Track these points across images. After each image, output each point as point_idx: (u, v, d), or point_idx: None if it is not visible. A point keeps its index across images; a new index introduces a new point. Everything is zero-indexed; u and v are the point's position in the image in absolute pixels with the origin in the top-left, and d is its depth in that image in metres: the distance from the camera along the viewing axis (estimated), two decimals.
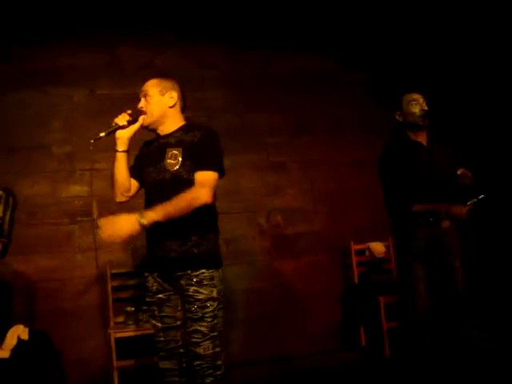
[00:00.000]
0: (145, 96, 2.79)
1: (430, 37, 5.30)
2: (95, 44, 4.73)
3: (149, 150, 2.82)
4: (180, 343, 2.70)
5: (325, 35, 5.18)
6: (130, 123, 2.71)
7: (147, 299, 2.78)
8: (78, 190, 4.55)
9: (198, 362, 2.60)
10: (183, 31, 4.85)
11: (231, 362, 4.50)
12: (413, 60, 5.29)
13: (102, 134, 2.66)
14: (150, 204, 2.62)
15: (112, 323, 4.29)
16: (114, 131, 2.71)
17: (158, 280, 2.70)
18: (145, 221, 2.45)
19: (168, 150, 2.66)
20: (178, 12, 4.84)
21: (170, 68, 4.77)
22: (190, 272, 2.59)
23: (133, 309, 4.19)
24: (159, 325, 2.71)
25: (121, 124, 2.69)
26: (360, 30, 5.25)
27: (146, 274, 2.75)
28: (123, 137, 2.72)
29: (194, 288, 2.58)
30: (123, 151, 2.73)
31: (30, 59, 4.60)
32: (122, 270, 4.47)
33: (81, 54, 4.69)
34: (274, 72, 5.08)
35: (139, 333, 4.10)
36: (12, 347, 3.93)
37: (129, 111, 2.73)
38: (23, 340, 4.02)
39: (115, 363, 4.03)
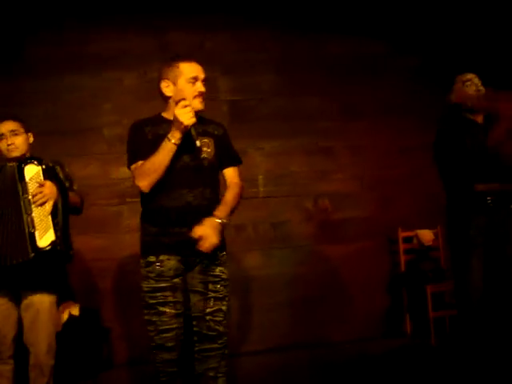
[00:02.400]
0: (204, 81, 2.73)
1: (483, 20, 5.12)
2: (146, 28, 4.77)
3: (167, 130, 2.65)
4: (183, 331, 2.69)
5: (376, 19, 5.08)
6: None
7: (157, 284, 2.62)
8: (127, 171, 4.58)
9: (220, 341, 2.69)
10: (233, 14, 4.84)
11: (274, 346, 4.56)
12: (464, 44, 5.12)
13: (198, 143, 2.60)
14: (173, 187, 2.64)
15: None
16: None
17: (180, 265, 2.65)
18: (225, 220, 2.65)
19: (200, 138, 2.66)
20: None
21: (220, 52, 4.79)
22: (218, 253, 2.69)
23: None
24: (173, 311, 2.63)
25: (195, 120, 2.58)
26: (411, 13, 5.11)
27: (162, 258, 2.63)
28: (183, 131, 2.59)
29: (219, 268, 2.70)
30: (176, 144, 2.59)
31: (83, 43, 4.69)
32: None
33: (132, 38, 4.75)
34: (324, 56, 5.01)
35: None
36: (63, 322, 4.08)
37: (185, 103, 2.57)
38: (74, 316, 4.15)
39: None
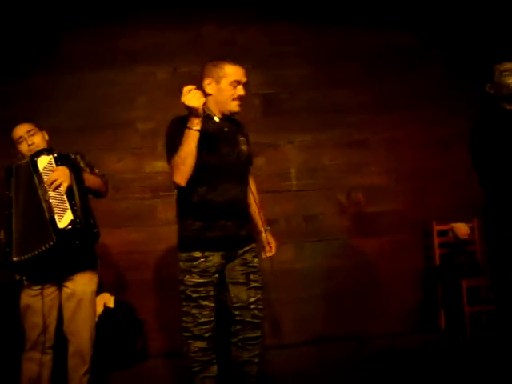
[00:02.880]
0: (244, 85, 2.82)
1: None
2: (178, 22, 4.80)
3: (210, 129, 2.72)
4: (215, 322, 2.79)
5: (408, 10, 4.99)
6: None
7: (201, 280, 2.70)
8: (160, 165, 4.67)
9: (259, 331, 2.84)
10: (265, 8, 4.83)
11: (307, 339, 4.55)
12: (497, 35, 5.00)
13: (217, 119, 2.73)
14: (219, 182, 2.72)
15: None
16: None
17: (221, 260, 2.75)
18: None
19: (238, 135, 2.86)
20: None
21: (252, 45, 4.78)
22: (254, 245, 2.88)
23: None
24: (212, 305, 2.74)
25: (204, 99, 2.57)
26: (443, 4, 5.02)
27: (207, 254, 2.70)
28: (200, 114, 2.59)
29: (256, 260, 2.87)
30: (198, 130, 2.59)
31: (116, 38, 4.74)
32: None
33: (164, 32, 4.78)
34: (357, 48, 4.95)
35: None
36: (99, 314, 4.14)
37: (188, 88, 2.56)
38: (109, 308, 4.22)
39: None
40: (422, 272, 4.86)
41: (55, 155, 2.95)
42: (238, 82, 2.76)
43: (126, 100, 4.69)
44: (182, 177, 2.62)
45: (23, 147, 3.07)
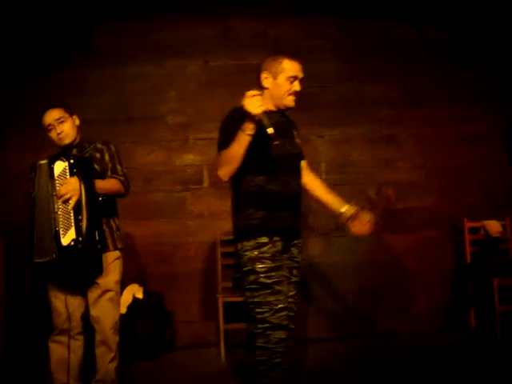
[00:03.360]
0: (300, 81, 2.79)
1: None
2: (209, 16, 4.82)
3: (272, 123, 2.64)
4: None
5: (441, 5, 4.92)
6: None
7: (274, 264, 2.67)
8: (190, 158, 4.71)
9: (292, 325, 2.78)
10: (297, 1, 4.82)
11: (334, 335, 4.54)
12: None
13: (271, 130, 2.55)
14: (279, 173, 2.71)
15: (220, 288, 4.43)
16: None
17: (281, 248, 2.74)
18: None
19: (292, 129, 2.88)
20: None
21: (282, 38, 4.77)
22: (301, 241, 2.86)
23: (240, 275, 4.28)
24: (285, 289, 2.70)
25: (263, 108, 2.53)
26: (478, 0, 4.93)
27: (275, 239, 2.69)
28: (256, 120, 2.57)
29: (300, 256, 2.85)
30: (250, 135, 2.58)
31: (147, 32, 4.79)
32: (232, 237, 4.56)
33: (195, 26, 4.80)
34: (388, 42, 4.91)
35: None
36: (128, 304, 4.20)
37: (253, 92, 2.53)
38: (138, 298, 4.27)
39: (222, 326, 4.17)
40: (452, 269, 4.80)
41: (71, 161, 2.89)
42: (295, 78, 2.75)
43: (157, 93, 4.73)
44: (225, 173, 2.66)
45: (53, 135, 3.09)
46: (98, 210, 2.96)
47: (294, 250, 2.82)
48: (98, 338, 3.05)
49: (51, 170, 2.89)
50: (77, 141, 3.14)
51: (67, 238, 2.78)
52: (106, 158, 3.12)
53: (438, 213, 4.78)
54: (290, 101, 2.78)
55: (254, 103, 2.49)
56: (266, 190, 2.70)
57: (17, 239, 4.44)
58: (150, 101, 4.72)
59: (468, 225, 4.70)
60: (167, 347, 4.40)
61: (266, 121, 2.55)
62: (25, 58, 4.72)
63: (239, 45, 4.81)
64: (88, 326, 3.09)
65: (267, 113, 2.65)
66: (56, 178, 2.87)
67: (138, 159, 4.65)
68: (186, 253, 4.64)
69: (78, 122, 3.18)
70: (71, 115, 3.15)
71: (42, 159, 2.98)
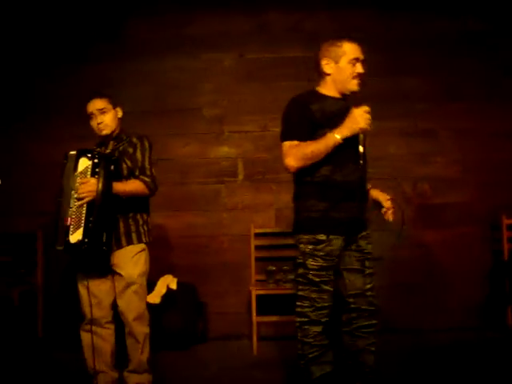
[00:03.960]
0: (363, 63, 2.77)
1: None
2: (244, 9, 4.82)
3: (332, 109, 2.70)
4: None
5: None
6: None
7: (325, 263, 2.66)
8: (225, 151, 4.74)
9: (374, 319, 2.77)
10: None
11: None
12: None
13: (361, 148, 2.69)
14: (345, 163, 2.67)
15: (253, 281, 4.45)
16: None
17: (343, 244, 2.69)
18: None
19: None
20: None
21: (318, 31, 4.73)
22: (369, 232, 2.81)
23: (274, 268, 4.30)
24: (331, 289, 2.69)
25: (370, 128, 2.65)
26: None
27: (332, 238, 2.65)
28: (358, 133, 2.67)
29: (370, 246, 2.80)
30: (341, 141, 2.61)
31: (183, 25, 4.81)
32: (265, 230, 4.59)
33: (231, 19, 4.82)
34: (426, 35, 4.81)
35: (279, 291, 4.22)
36: (162, 294, 4.25)
37: (368, 109, 2.64)
38: (172, 289, 4.32)
39: (255, 318, 4.18)
40: (489, 266, 4.72)
41: (95, 161, 2.91)
42: (357, 60, 2.72)
43: (193, 86, 4.76)
44: (297, 166, 2.64)
45: (93, 123, 3.13)
46: (112, 213, 2.99)
47: (362, 242, 2.76)
48: (126, 329, 3.10)
49: (76, 164, 2.93)
50: (116, 132, 3.17)
51: (75, 236, 2.84)
52: (138, 154, 3.11)
53: (476, 209, 4.69)
54: (354, 84, 2.75)
55: (366, 120, 2.59)
56: (331, 180, 2.65)
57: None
58: (186, 93, 4.76)
59: (506, 221, 4.61)
60: (200, 338, 4.45)
61: (362, 138, 2.67)
62: (62, 50, 4.81)
63: (274, 38, 4.80)
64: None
65: (332, 98, 2.72)
66: (77, 173, 2.92)
67: (173, 151, 4.69)
68: (220, 245, 4.67)
69: (120, 114, 3.20)
70: (114, 107, 3.17)
71: (79, 149, 3.00)
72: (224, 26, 4.81)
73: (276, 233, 4.58)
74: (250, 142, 4.74)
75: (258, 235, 4.55)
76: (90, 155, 2.93)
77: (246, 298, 4.48)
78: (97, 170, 2.89)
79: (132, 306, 3.06)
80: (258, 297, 4.20)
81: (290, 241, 4.46)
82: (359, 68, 2.72)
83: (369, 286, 2.75)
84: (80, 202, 2.86)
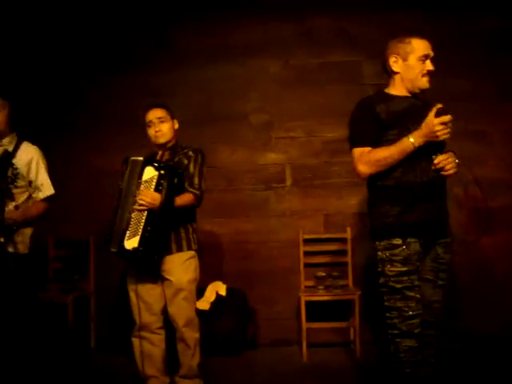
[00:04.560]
0: (431, 59, 2.68)
1: None
2: (288, 15, 4.82)
3: (399, 108, 2.62)
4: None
5: None
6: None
7: (404, 268, 2.53)
8: (273, 157, 4.75)
9: (437, 331, 2.67)
10: None
11: None
12: None
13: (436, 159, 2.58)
14: (417, 161, 2.55)
15: (302, 287, 4.43)
16: None
17: (420, 249, 2.56)
18: None
19: (429, 112, 2.58)
20: None
21: (364, 35, 4.71)
22: (449, 240, 2.66)
23: (323, 274, 4.29)
24: (418, 296, 2.53)
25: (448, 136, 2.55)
26: None
27: (409, 241, 2.53)
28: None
29: (448, 256, 2.65)
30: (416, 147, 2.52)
31: (228, 33, 4.86)
32: (314, 236, 4.58)
33: (275, 26, 4.82)
34: (476, 34, 4.68)
35: (328, 298, 4.20)
36: (211, 301, 4.28)
37: (448, 119, 2.53)
38: (221, 296, 4.35)
39: (304, 325, 4.16)
40: None
41: (162, 172, 2.96)
42: (427, 56, 2.64)
43: (239, 93, 4.79)
44: (369, 172, 2.58)
45: (151, 131, 3.21)
46: (168, 224, 3.05)
47: (439, 250, 2.62)
48: (177, 334, 3.15)
49: (141, 172, 2.99)
50: (172, 143, 3.26)
51: (130, 242, 2.92)
52: (191, 167, 3.18)
53: None
54: (424, 82, 2.65)
55: (445, 130, 2.49)
56: (402, 182, 2.55)
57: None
58: (233, 101, 4.79)
59: None
60: (249, 344, 4.46)
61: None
62: (112, 61, 4.92)
63: (319, 43, 4.79)
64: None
65: (400, 97, 2.64)
66: (142, 181, 2.98)
67: (221, 159, 4.73)
68: (269, 251, 4.67)
69: (177, 126, 3.31)
70: (172, 118, 3.27)
71: (146, 157, 3.10)
72: (269, 33, 4.83)
73: (325, 238, 4.56)
74: (298, 147, 4.73)
75: (306, 241, 4.54)
76: (156, 165, 2.99)
77: (295, 305, 4.46)
78: (162, 181, 2.95)
79: (182, 312, 3.11)
80: (308, 303, 4.19)
81: (339, 246, 4.51)
82: (429, 65, 2.63)
83: (436, 298, 2.64)
84: (141, 209, 2.93)
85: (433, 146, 2.54)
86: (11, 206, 3.15)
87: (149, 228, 2.92)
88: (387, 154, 2.52)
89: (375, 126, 2.57)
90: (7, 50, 4.87)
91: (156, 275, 3.13)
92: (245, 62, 4.82)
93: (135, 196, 2.96)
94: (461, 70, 4.67)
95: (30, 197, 3.31)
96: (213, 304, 4.31)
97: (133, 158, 3.08)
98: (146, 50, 4.91)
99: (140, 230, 2.92)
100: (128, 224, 2.95)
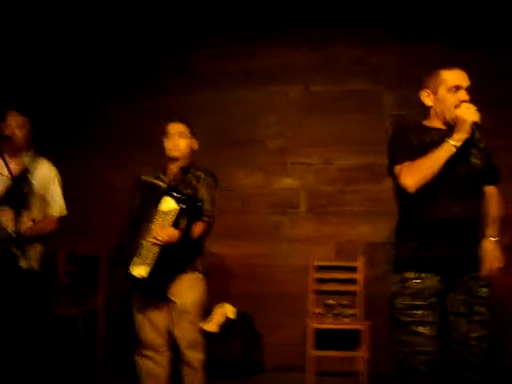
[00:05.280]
0: (467, 90, 2.56)
1: None
2: (310, 42, 4.85)
3: (431, 140, 2.54)
4: (437, 355, 2.48)
5: None
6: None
7: (413, 302, 2.48)
8: (288, 182, 4.75)
9: (475, 373, 2.49)
10: (397, 28, 4.72)
11: None
12: None
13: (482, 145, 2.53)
14: (440, 197, 2.49)
15: (311, 313, 4.40)
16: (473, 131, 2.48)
17: (440, 285, 2.49)
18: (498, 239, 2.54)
19: (471, 148, 2.52)
20: (389, 9, 4.70)
21: (383, 64, 4.73)
22: (478, 273, 2.52)
23: (333, 302, 4.26)
24: (428, 332, 2.45)
25: (479, 117, 2.43)
26: None
27: (423, 276, 2.48)
28: (468, 130, 2.44)
29: (485, 290, 2.51)
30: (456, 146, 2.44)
31: (249, 58, 4.90)
32: (325, 263, 4.55)
33: (296, 52, 4.86)
34: (496, 68, 4.61)
35: (337, 326, 4.17)
36: (220, 323, 4.26)
37: (468, 104, 2.46)
38: (229, 318, 4.33)
39: (311, 352, 4.13)
40: None
41: (182, 207, 2.88)
42: (458, 88, 2.53)
43: (257, 118, 4.82)
44: (416, 182, 2.45)
45: (167, 143, 3.16)
46: (181, 256, 3.00)
47: (473, 284, 2.50)
48: (180, 356, 3.11)
49: (159, 199, 2.92)
50: (186, 162, 3.20)
51: (139, 270, 2.86)
52: (203, 192, 3.10)
53: None
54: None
55: (469, 110, 2.41)
56: (422, 216, 2.51)
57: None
58: (250, 125, 4.82)
59: None
60: (255, 368, 4.42)
61: (478, 135, 2.45)
62: (129, 79, 4.99)
63: (340, 71, 4.82)
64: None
65: (435, 130, 2.58)
66: (159, 211, 2.90)
67: (236, 181, 4.74)
68: (279, 276, 4.65)
69: (195, 146, 3.27)
70: (192, 137, 3.25)
71: (146, 174, 3.08)
72: (289, 59, 4.87)
73: (336, 266, 4.53)
74: (313, 174, 4.74)
75: (317, 268, 4.52)
76: (177, 197, 2.89)
77: (302, 331, 4.42)
78: (181, 218, 2.88)
79: (187, 334, 3.07)
80: (315, 330, 4.15)
81: (350, 275, 4.48)
82: (462, 95, 2.51)
83: (474, 335, 2.48)
84: (154, 242, 2.86)
85: (459, 184, 2.49)
86: (28, 220, 3.17)
87: (159, 262, 2.86)
88: (427, 159, 2.43)
89: (410, 149, 2.52)
90: (26, 65, 4.96)
91: (162, 298, 3.10)
92: (264, 87, 4.85)
93: (150, 222, 2.90)
94: (484, 104, 4.56)
95: (42, 213, 3.34)
96: (221, 327, 4.28)
97: (145, 178, 3.06)
98: (166, 71, 4.97)
99: (150, 261, 2.86)
100: (138, 250, 2.89)
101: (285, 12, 4.81)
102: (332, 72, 4.83)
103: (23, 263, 3.15)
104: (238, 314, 4.42)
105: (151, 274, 2.86)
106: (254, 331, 4.51)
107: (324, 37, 4.85)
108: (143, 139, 4.74)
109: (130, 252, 2.92)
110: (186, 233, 2.91)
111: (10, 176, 3.14)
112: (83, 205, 4.68)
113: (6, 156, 3.26)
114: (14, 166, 3.20)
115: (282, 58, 4.87)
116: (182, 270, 3.07)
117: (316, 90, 4.82)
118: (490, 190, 2.68)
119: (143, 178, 3.10)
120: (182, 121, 3.24)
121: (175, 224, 2.87)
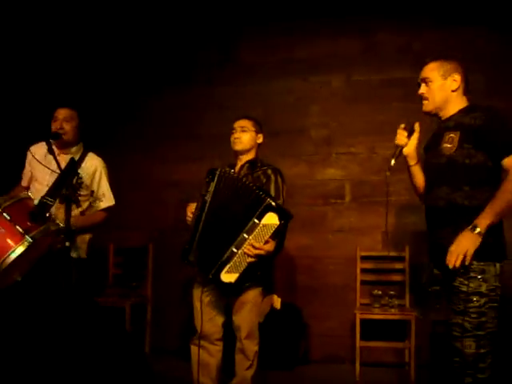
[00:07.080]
0: (425, 82, 2.69)
1: None
2: (352, 31, 4.82)
3: (431, 136, 2.75)
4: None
5: None
6: (410, 136, 2.72)
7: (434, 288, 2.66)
8: (332, 172, 4.73)
9: (456, 359, 2.48)
10: (441, 13, 4.64)
11: None
12: None
13: (393, 162, 2.68)
14: (427, 189, 2.68)
15: (358, 304, 4.38)
16: (400, 153, 2.72)
17: (436, 271, 2.62)
18: (481, 230, 2.38)
19: (446, 133, 2.58)
20: None
21: (428, 52, 4.57)
22: (475, 265, 2.45)
23: (380, 292, 4.23)
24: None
25: (403, 144, 2.70)
26: None
27: (431, 264, 2.66)
28: (410, 152, 2.73)
29: (459, 279, 2.46)
30: (415, 164, 2.76)
31: (292, 48, 4.90)
32: (372, 253, 4.52)
33: (338, 41, 4.84)
34: None
35: (384, 317, 4.14)
36: (266, 313, 4.29)
37: (402, 125, 2.72)
38: (276, 309, 4.35)
39: (358, 343, 4.11)
40: None
41: (283, 222, 2.88)
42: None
43: (301, 108, 4.82)
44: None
45: (232, 138, 3.28)
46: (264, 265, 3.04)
47: (460, 279, 2.46)
48: (237, 345, 3.16)
49: (262, 213, 2.86)
50: (251, 156, 3.30)
51: (228, 277, 2.92)
52: (272, 190, 3.17)
53: None
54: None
55: (399, 136, 2.71)
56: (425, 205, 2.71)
57: (165, 245, 4.80)
58: (294, 115, 4.82)
59: None
60: (301, 359, 4.44)
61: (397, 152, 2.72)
62: (174, 72, 5.07)
63: (383, 59, 4.76)
64: (229, 333, 3.21)
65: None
66: (260, 224, 2.87)
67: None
68: (325, 267, 4.65)
69: (260, 140, 3.35)
70: (257, 131, 3.32)
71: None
72: (332, 48, 4.85)
73: (382, 256, 4.49)
74: (358, 163, 4.70)
75: (363, 258, 4.49)
76: (281, 213, 2.88)
77: (349, 322, 4.41)
78: (280, 231, 2.95)
79: (246, 324, 3.13)
80: (362, 321, 4.13)
81: (397, 265, 4.43)
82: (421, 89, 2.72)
83: (454, 321, 2.49)
84: (251, 254, 2.89)
85: (436, 172, 2.61)
86: (77, 211, 3.26)
87: (251, 269, 2.94)
88: None
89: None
90: (74, 62, 5.10)
91: (235, 294, 3.14)
92: (307, 77, 4.84)
93: (247, 234, 2.89)
94: None
95: (90, 205, 3.46)
96: (267, 317, 4.31)
97: (222, 171, 3.03)
98: (210, 62, 5.02)
99: (241, 269, 2.92)
100: (231, 258, 2.92)
101: (325, 1, 4.78)
102: (374, 60, 4.78)
103: (73, 253, 3.25)
104: (285, 304, 4.43)
105: (239, 280, 2.94)
106: (300, 322, 4.51)
107: (365, 25, 4.80)
108: (190, 132, 4.81)
109: (217, 257, 2.93)
110: (280, 244, 3.03)
111: (59, 170, 3.25)
112: (132, 199, 4.80)
113: (55, 149, 3.39)
114: (63, 160, 3.29)
115: (324, 48, 4.86)
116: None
117: (359, 79, 4.77)
118: (506, 163, 2.47)
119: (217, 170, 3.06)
120: (247, 117, 3.35)
121: (273, 237, 2.92)
